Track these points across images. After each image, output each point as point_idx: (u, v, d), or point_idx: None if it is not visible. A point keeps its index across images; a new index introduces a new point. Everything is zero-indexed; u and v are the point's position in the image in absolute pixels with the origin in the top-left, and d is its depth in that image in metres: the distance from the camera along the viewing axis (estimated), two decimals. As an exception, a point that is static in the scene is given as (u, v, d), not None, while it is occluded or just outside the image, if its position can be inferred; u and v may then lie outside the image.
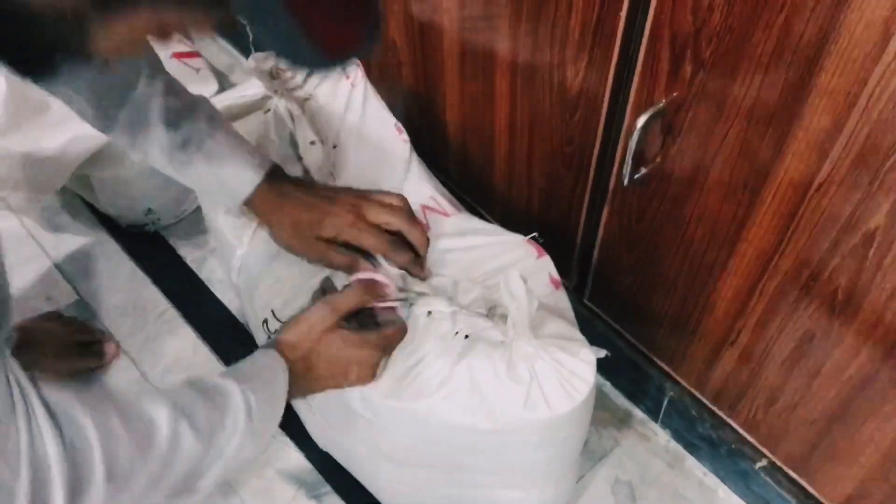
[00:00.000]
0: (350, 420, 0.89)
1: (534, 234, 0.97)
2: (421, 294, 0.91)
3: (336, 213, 0.87)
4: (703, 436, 1.15)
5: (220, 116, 0.90)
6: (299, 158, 1.04)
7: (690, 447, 1.23)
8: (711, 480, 1.22)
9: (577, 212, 1.05)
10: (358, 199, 0.89)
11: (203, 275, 1.44)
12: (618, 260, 1.01)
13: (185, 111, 0.86)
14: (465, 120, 1.14)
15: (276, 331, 0.87)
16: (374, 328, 0.85)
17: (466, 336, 0.87)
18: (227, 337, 1.33)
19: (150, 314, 1.39)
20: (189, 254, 1.47)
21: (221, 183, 0.87)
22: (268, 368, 0.77)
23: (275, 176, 0.90)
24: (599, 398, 1.23)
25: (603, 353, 0.84)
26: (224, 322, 1.35)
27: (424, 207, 1.02)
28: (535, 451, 0.87)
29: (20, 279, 1.38)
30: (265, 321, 0.94)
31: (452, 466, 0.91)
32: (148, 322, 1.37)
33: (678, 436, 1.23)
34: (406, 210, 0.91)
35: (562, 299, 0.95)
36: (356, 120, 1.09)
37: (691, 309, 0.98)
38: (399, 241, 0.89)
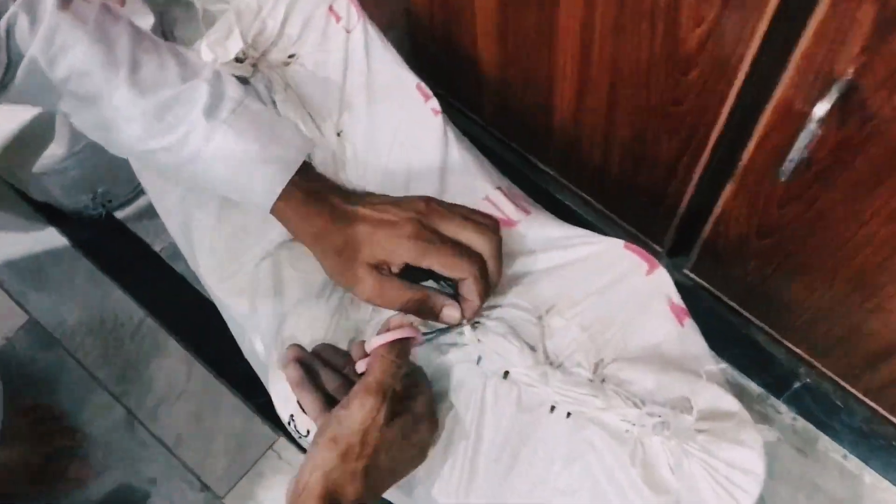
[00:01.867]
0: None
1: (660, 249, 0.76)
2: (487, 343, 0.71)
3: (402, 227, 0.67)
4: (836, 410, 1.08)
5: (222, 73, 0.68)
6: None
7: (822, 426, 1.11)
8: (853, 464, 1.09)
9: (683, 182, 0.90)
10: (429, 208, 0.69)
11: (181, 266, 1.24)
12: (742, 242, 0.91)
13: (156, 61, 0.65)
14: (507, 55, 0.95)
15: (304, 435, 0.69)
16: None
17: (569, 414, 0.69)
18: (230, 347, 1.14)
19: (123, 329, 1.21)
20: (158, 240, 1.27)
21: (232, 178, 0.66)
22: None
23: (309, 171, 0.70)
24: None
25: (774, 434, 0.67)
26: (223, 328, 1.16)
27: (477, 213, 0.79)
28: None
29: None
30: (291, 418, 0.75)
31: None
32: (123, 340, 1.21)
33: (807, 413, 1.12)
34: (498, 235, 0.70)
35: (691, 339, 0.75)
36: (361, 86, 0.85)
37: (854, 308, 0.85)
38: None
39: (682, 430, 0.65)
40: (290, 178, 0.66)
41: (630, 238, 1.04)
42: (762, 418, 1.13)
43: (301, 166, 0.67)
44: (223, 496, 1.12)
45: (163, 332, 1.21)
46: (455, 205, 0.70)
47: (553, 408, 0.69)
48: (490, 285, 0.69)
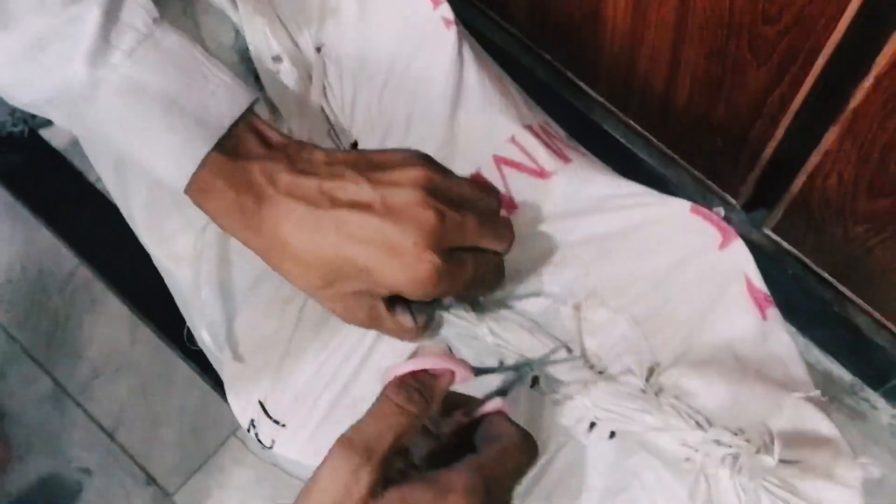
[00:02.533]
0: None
1: (716, 209, 0.74)
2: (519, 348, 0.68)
3: (413, 259, 0.59)
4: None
5: None
6: (257, 81, 0.78)
7: (931, 427, 1.11)
8: (967, 478, 1.08)
9: (771, 122, 0.87)
10: (440, 209, 0.60)
11: None
12: (846, 200, 0.89)
13: None
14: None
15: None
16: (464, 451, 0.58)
17: (613, 434, 0.67)
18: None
19: (51, 282, 1.20)
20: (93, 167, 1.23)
21: (130, 146, 0.59)
22: None
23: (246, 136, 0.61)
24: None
25: (877, 472, 0.64)
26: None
27: (499, 160, 0.76)
28: None
29: None
30: (252, 424, 0.72)
31: None
32: (51, 296, 1.19)
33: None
34: (513, 233, 0.66)
35: (775, 335, 0.72)
36: None
37: None
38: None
39: (761, 466, 0.62)
40: (209, 149, 0.58)
41: (698, 186, 1.02)
42: (853, 413, 1.13)
43: (240, 126, 0.60)
44: (173, 493, 1.12)
45: (100, 284, 1.19)
46: (454, 179, 0.63)
47: (593, 425, 0.67)
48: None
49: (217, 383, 1.14)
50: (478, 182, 0.65)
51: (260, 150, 0.60)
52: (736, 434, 0.62)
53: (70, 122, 0.59)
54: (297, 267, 0.61)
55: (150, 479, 1.12)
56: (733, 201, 1.02)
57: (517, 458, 0.54)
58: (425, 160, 0.61)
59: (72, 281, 1.19)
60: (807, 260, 1.02)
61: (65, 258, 1.20)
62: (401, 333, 0.66)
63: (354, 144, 0.75)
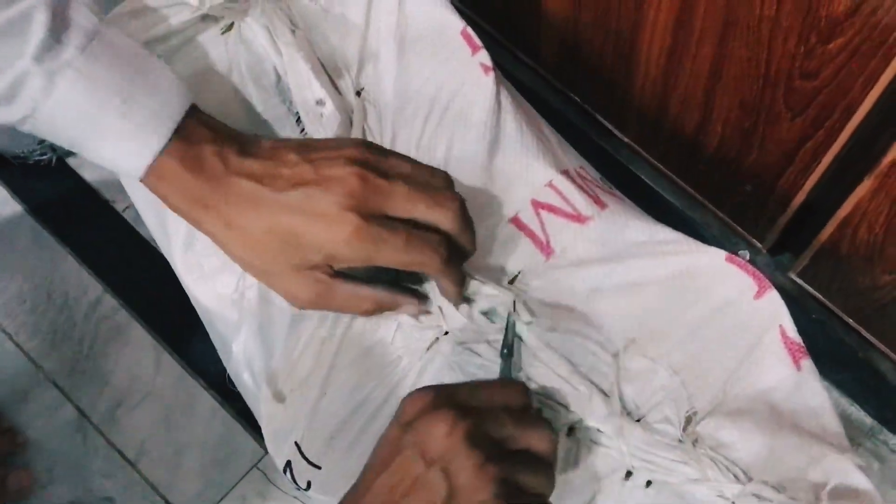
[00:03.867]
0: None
1: (741, 252, 0.72)
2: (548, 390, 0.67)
3: (339, 222, 0.60)
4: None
5: None
6: (298, 122, 0.77)
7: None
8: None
9: (803, 172, 0.87)
10: (365, 183, 0.61)
11: (149, 233, 1.20)
12: (875, 250, 0.88)
13: None
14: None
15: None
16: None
17: (649, 483, 0.66)
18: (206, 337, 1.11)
19: (76, 310, 1.19)
20: (122, 197, 1.23)
21: (85, 142, 0.60)
22: None
23: (196, 130, 0.63)
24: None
25: None
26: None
27: (537, 205, 0.76)
28: None
29: None
30: (288, 464, 0.71)
31: None
32: (76, 324, 1.18)
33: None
34: (457, 197, 0.65)
35: (809, 386, 0.71)
36: (390, 29, 0.81)
37: None
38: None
39: None
40: (167, 139, 0.60)
41: (725, 230, 1.02)
42: (871, 454, 1.11)
43: (192, 117, 0.62)
44: None
45: (125, 312, 1.18)
46: (394, 157, 0.64)
47: (629, 474, 0.66)
48: (466, 257, 0.67)
49: (240, 414, 1.14)
50: (423, 164, 0.65)
51: (211, 136, 0.62)
52: (778, 490, 0.61)
53: (27, 123, 0.59)
54: (241, 246, 0.63)
55: (172, 509, 1.11)
56: (759, 245, 1.01)
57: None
58: (363, 143, 0.63)
59: (97, 309, 1.18)
60: (831, 305, 1.01)
61: (90, 286, 1.19)
62: (358, 302, 0.65)
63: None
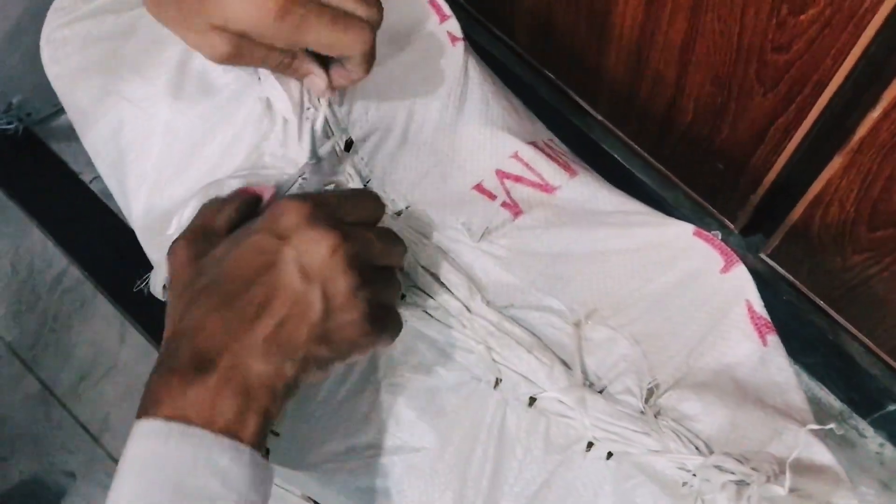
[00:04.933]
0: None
1: (713, 232, 0.72)
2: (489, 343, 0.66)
3: None
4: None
5: None
6: None
7: (919, 457, 1.09)
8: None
9: (774, 149, 0.87)
10: None
11: (116, 205, 1.19)
12: (845, 230, 0.88)
13: None
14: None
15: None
16: None
17: (610, 455, 0.65)
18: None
19: (40, 282, 1.18)
20: (89, 168, 1.22)
21: None
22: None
23: None
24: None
25: (873, 501, 0.64)
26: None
27: (502, 175, 0.75)
28: None
29: None
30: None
31: None
32: (40, 296, 1.18)
33: (899, 440, 1.11)
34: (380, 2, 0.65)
35: (775, 362, 0.71)
36: None
37: None
38: None
39: (768, 496, 0.61)
40: None
41: (697, 209, 1.02)
42: (841, 440, 1.11)
43: None
44: None
45: (90, 285, 1.17)
46: None
47: (590, 445, 0.65)
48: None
49: (207, 390, 1.13)
50: None
51: None
52: (740, 461, 0.61)
53: None
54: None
55: (135, 485, 1.10)
56: (731, 225, 1.01)
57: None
58: None
59: (62, 281, 1.17)
60: (802, 287, 1.01)
61: (55, 258, 1.18)
62: (274, 57, 0.63)
63: (349, 144, 0.74)
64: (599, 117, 1.04)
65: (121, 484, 0.51)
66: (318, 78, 0.65)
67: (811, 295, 1.01)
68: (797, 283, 1.01)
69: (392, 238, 0.62)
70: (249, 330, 0.54)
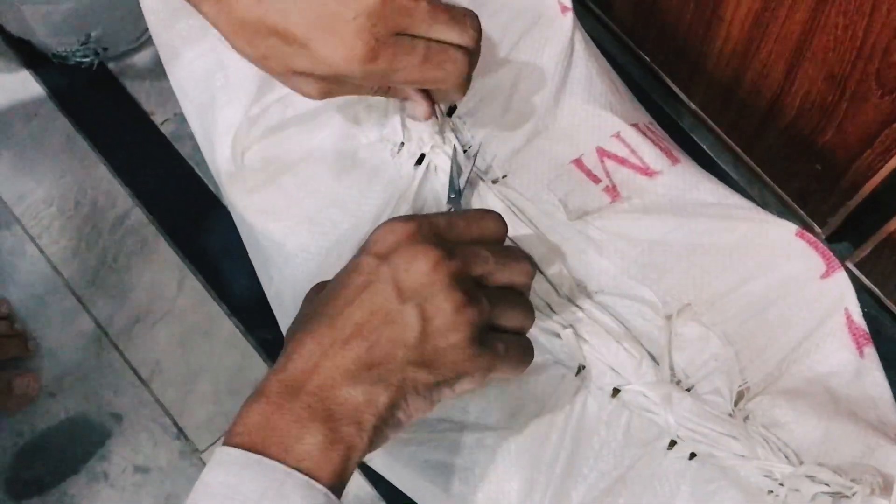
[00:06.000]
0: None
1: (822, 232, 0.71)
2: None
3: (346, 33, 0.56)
4: None
5: None
6: None
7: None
8: None
9: (881, 156, 0.85)
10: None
11: (188, 148, 1.20)
12: None
13: None
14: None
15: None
16: None
17: (693, 455, 0.64)
18: (238, 262, 1.06)
19: (103, 220, 1.17)
20: (161, 110, 1.22)
21: None
22: None
23: None
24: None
25: None
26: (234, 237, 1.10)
27: (602, 153, 0.73)
28: None
29: None
30: None
31: None
32: (101, 234, 1.17)
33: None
34: (478, 22, 0.61)
35: (871, 375, 0.71)
36: None
37: None
38: None
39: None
40: None
41: (784, 211, 1.00)
42: None
43: None
44: (202, 450, 1.09)
45: (153, 228, 1.17)
46: None
47: (673, 444, 0.64)
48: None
49: (260, 345, 1.12)
50: None
51: None
52: (838, 473, 0.59)
53: None
54: (242, 34, 0.58)
55: (181, 433, 1.10)
56: (819, 230, 0.99)
57: None
58: None
59: (125, 222, 1.17)
60: (887, 301, 0.99)
61: (120, 198, 1.18)
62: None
63: (452, 109, 0.72)
64: (693, 106, 1.02)
65: None
66: (417, 105, 0.63)
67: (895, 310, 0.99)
68: (883, 297, 0.99)
69: (514, 255, 0.58)
70: (341, 351, 0.51)
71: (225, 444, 0.50)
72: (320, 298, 0.55)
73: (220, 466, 0.49)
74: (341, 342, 0.51)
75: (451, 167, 0.68)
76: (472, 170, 0.67)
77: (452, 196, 0.67)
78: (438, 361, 0.53)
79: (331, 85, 0.60)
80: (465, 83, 0.60)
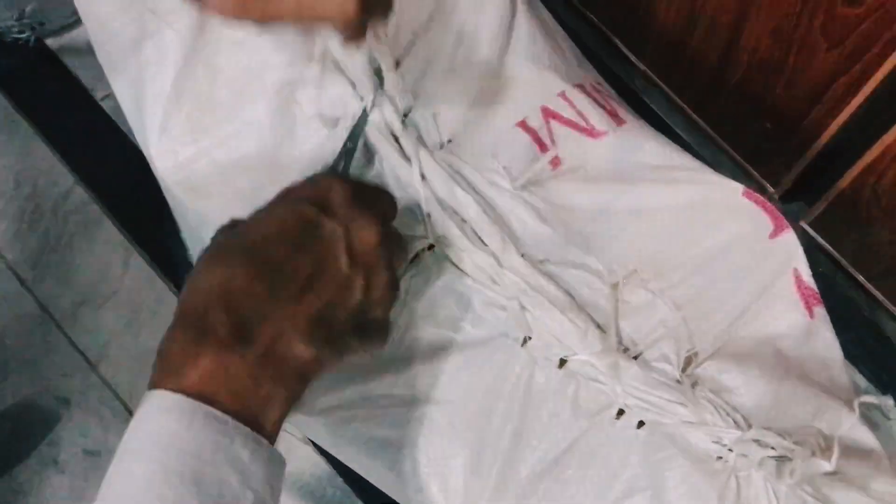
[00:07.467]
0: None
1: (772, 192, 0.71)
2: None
3: None
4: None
5: None
6: None
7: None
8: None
9: (830, 111, 0.84)
10: None
11: (128, 125, 1.16)
12: None
13: None
14: None
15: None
16: None
17: (641, 424, 0.64)
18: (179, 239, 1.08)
19: (45, 200, 1.16)
20: (101, 85, 1.18)
21: None
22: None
23: None
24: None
25: None
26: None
27: (547, 113, 0.73)
28: None
29: None
30: None
31: None
32: (43, 214, 1.16)
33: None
34: None
35: (820, 336, 0.72)
36: None
37: None
38: None
39: (814, 472, 0.60)
40: None
41: (736, 171, 0.99)
42: (864, 420, 1.10)
43: None
44: None
45: (96, 207, 1.13)
46: None
47: (621, 412, 0.64)
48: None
49: (210, 323, 1.11)
50: None
51: None
52: (782, 436, 0.59)
53: None
54: None
55: (131, 416, 1.09)
56: (772, 189, 0.98)
57: None
58: None
59: (67, 201, 1.15)
60: (842, 260, 1.00)
61: (62, 177, 1.16)
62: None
63: (395, 64, 0.70)
64: (643, 67, 1.01)
65: (133, 462, 0.47)
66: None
67: (851, 269, 0.99)
68: (837, 255, 0.99)
69: (403, 240, 0.60)
70: (295, 304, 0.51)
71: (163, 386, 0.48)
72: (252, 232, 0.53)
73: (165, 414, 0.47)
74: (294, 295, 0.51)
75: (360, 118, 0.66)
76: (402, 122, 0.66)
77: (349, 146, 0.65)
78: (367, 331, 0.54)
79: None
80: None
